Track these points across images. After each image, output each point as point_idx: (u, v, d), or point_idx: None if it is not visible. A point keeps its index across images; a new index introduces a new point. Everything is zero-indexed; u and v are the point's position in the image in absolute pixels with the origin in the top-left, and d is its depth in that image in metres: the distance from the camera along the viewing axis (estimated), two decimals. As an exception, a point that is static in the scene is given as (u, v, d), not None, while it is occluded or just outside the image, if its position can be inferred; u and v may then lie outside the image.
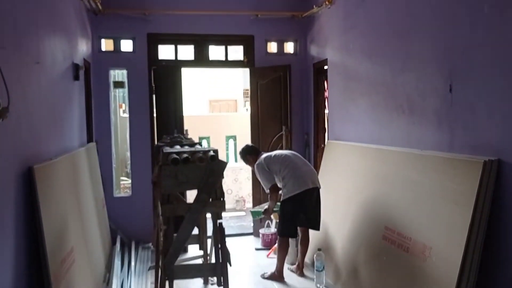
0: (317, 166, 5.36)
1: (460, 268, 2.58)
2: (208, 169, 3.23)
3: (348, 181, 4.29)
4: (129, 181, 6.52)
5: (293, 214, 4.24)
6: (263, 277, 4.39)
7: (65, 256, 2.87)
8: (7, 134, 2.20)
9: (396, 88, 3.69)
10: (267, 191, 4.41)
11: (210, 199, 3.29)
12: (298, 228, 4.41)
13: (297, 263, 4.54)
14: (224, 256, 3.36)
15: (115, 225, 5.30)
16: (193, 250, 5.01)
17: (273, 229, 5.53)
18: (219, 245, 3.37)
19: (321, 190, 4.34)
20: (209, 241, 4.36)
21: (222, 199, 3.36)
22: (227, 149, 8.36)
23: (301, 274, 4.43)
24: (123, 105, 7.94)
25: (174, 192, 3.30)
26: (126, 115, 6.87)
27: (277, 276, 4.33)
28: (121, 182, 6.96)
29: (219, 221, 3.40)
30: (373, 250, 3.58)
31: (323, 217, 4.37)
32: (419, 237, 3.03)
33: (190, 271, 3.39)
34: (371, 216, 3.73)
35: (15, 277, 2.24)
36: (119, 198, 5.60)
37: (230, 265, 3.41)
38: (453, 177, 2.83)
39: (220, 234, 3.39)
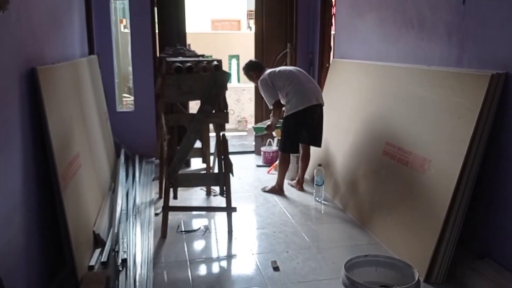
0: (321, 86, 5.31)
1: (457, 179, 2.65)
2: (212, 79, 3.21)
3: (352, 99, 4.28)
4: (132, 98, 6.52)
5: (296, 130, 4.28)
6: (263, 190, 4.53)
7: (72, 159, 2.94)
8: (8, 30, 2.15)
9: (406, 2, 3.56)
10: (270, 107, 4.41)
11: (214, 111, 3.31)
12: (300, 144, 4.47)
13: (297, 179, 4.65)
14: (226, 166, 3.44)
15: (119, 139, 5.37)
16: (196, 163, 5.14)
17: (274, 147, 5.61)
18: (222, 156, 3.44)
19: (324, 108, 4.35)
20: (212, 156, 4.44)
21: (225, 110, 3.38)
22: (229, 68, 8.24)
23: (301, 189, 4.56)
24: (124, 20, 7.72)
25: (177, 101, 3.30)
26: (127, 30, 6.70)
27: (277, 189, 4.46)
28: (124, 99, 6.95)
29: (222, 132, 3.43)
30: (373, 165, 3.66)
31: (324, 135, 4.41)
32: (420, 151, 3.08)
33: (193, 180, 3.49)
34: (372, 132, 3.77)
35: (24, 177, 2.30)
36: (122, 113, 5.62)
37: (233, 175, 3.50)
38: (459, 92, 2.81)
39: (223, 145, 3.44)
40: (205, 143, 4.23)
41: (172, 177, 3.31)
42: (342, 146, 4.26)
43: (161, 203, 4.10)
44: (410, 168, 3.15)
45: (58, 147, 2.62)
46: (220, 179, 3.42)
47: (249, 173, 5.19)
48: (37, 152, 2.55)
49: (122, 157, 5.05)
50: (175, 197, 3.39)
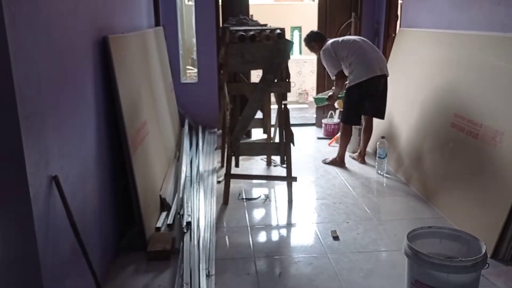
0: (386, 56, 5.13)
1: (533, 152, 2.50)
2: (275, 48, 3.21)
3: (419, 70, 4.11)
4: (195, 70, 6.65)
5: (358, 101, 4.19)
6: (324, 162, 4.51)
7: (140, 126, 3.08)
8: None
9: (484, -37, 3.32)
10: (333, 77, 4.34)
11: (276, 80, 3.31)
12: (362, 116, 4.38)
13: (358, 151, 4.58)
14: (287, 136, 3.45)
15: (183, 109, 5.54)
16: (257, 134, 5.20)
17: (335, 119, 5.54)
18: (283, 126, 3.45)
19: (389, 79, 4.21)
20: (273, 127, 4.47)
21: (287, 80, 3.37)
22: (292, 40, 8.12)
23: (362, 162, 4.49)
24: (188, -7, 7.82)
25: (240, 71, 3.33)
26: (191, 3, 6.79)
27: (338, 161, 4.42)
28: (187, 71, 7.12)
29: (283, 102, 3.44)
30: (440, 138, 3.52)
31: (388, 107, 4.29)
32: (491, 123, 2.92)
33: (255, 149, 3.54)
34: (441, 104, 3.61)
35: (97, 141, 2.45)
36: (186, 84, 5.76)
37: (293, 145, 3.51)
38: (538, 59, 2.62)
39: (284, 115, 3.45)
40: (266, 114, 4.26)
41: (234, 146, 3.38)
42: (407, 119, 4.13)
43: (223, 171, 4.22)
44: (480, 141, 3.00)
45: (127, 114, 2.75)
46: (281, 148, 3.45)
47: (309, 145, 5.18)
48: (109, 118, 2.70)
49: (186, 127, 5.22)
50: (236, 165, 3.47)
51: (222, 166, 4.40)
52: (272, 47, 3.22)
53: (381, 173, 4.16)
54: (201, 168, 4.10)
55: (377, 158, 4.21)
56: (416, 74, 4.14)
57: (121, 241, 2.84)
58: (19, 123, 1.47)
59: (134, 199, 2.81)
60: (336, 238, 2.95)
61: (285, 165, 3.52)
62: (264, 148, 3.52)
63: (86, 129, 2.29)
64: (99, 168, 2.49)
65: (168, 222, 3.11)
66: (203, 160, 4.37)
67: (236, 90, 3.35)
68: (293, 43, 3.27)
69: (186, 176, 3.84)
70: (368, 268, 2.58)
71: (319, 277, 2.50)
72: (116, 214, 2.83)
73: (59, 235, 1.79)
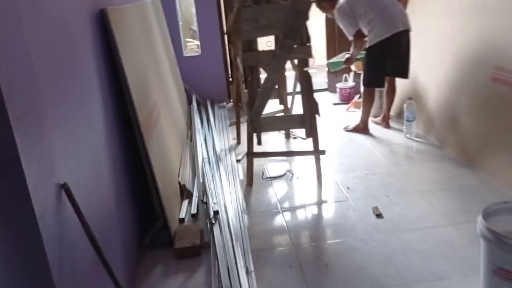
0: (404, 6, 4.75)
1: None
2: (292, 9, 2.83)
3: (445, 21, 3.73)
4: (195, 42, 6.25)
5: (382, 61, 3.83)
6: (346, 129, 4.20)
7: (151, 108, 2.76)
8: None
9: None
10: (351, 38, 3.97)
11: (296, 45, 2.95)
12: (386, 77, 4.03)
13: (382, 115, 4.26)
14: (312, 107, 3.13)
15: (188, 85, 5.19)
16: (271, 105, 4.86)
17: (350, 82, 5.19)
18: (306, 95, 3.12)
19: (411, 33, 3.84)
20: (289, 97, 4.13)
21: (308, 44, 3.02)
22: None
23: (387, 126, 4.18)
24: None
25: (255, 37, 2.98)
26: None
27: (362, 128, 4.11)
28: (187, 44, 6.71)
29: (305, 69, 3.10)
30: (479, 95, 3.19)
31: (412, 65, 3.94)
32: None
33: (277, 123, 3.22)
34: (476, 57, 3.26)
35: (106, 131, 2.13)
36: (189, 58, 5.38)
37: (319, 116, 3.19)
38: None
39: (307, 83, 3.11)
40: (282, 83, 3.91)
41: (255, 121, 3.06)
42: (436, 76, 3.78)
43: (240, 148, 3.94)
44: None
45: (137, 96, 2.43)
46: (305, 120, 3.13)
47: (326, 112, 4.84)
48: (117, 102, 2.37)
49: (194, 104, 4.89)
50: (259, 143, 3.16)
51: (238, 142, 4.10)
52: (289, 7, 2.84)
53: (411, 137, 3.86)
54: (217, 147, 3.80)
55: (405, 121, 3.89)
56: (442, 25, 3.77)
57: (144, 239, 2.57)
58: (10, 127, 1.14)
59: (153, 191, 2.52)
60: (379, 215, 2.67)
61: (305, 138, 3.20)
62: (287, 122, 3.20)
63: (93, 120, 1.97)
64: (112, 162, 2.19)
65: (192, 212, 2.83)
66: (217, 138, 4.06)
67: (253, 60, 3.00)
68: (311, 1, 2.89)
69: (203, 158, 3.55)
70: (424, 249, 2.31)
71: (370, 264, 2.23)
72: (135, 210, 2.55)
73: (75, 253, 1.49)
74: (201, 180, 3.17)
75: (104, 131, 2.10)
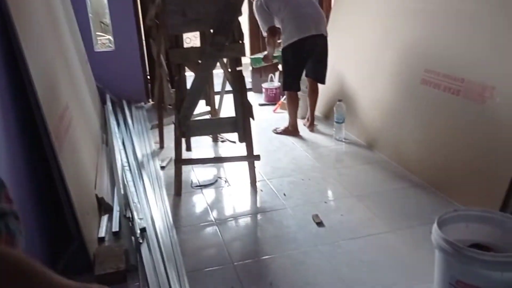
0: (329, 8, 4.73)
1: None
2: (223, 2, 2.60)
3: (374, 22, 3.72)
4: (107, 36, 5.75)
5: (295, 64, 3.72)
6: (275, 132, 4.05)
7: (61, 112, 2.36)
8: None
9: None
10: (264, 34, 3.82)
11: (227, 43, 2.72)
12: (306, 78, 3.93)
13: (307, 118, 4.16)
14: (246, 109, 2.92)
15: (101, 83, 4.72)
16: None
17: (276, 82, 5.07)
18: (240, 97, 2.90)
19: (336, 35, 3.78)
20: (216, 97, 3.88)
21: (241, 41, 2.80)
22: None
23: (311, 129, 4.07)
24: None
25: (182, 32, 2.69)
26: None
27: (292, 130, 3.98)
28: (98, 38, 6.17)
29: (238, 68, 2.87)
30: (409, 97, 3.19)
31: (339, 67, 3.91)
32: (475, 77, 2.62)
33: (208, 127, 2.97)
34: (405, 59, 3.26)
35: (6, 140, 1.74)
36: (101, 53, 4.91)
37: (253, 119, 2.99)
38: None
39: (240, 84, 2.89)
40: (209, 82, 3.65)
41: (184, 125, 2.78)
42: (364, 78, 3.77)
43: (164, 153, 3.62)
44: (463, 97, 2.70)
45: (45, 98, 2.03)
46: (239, 124, 2.90)
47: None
48: (18, 106, 1.97)
49: (109, 104, 4.45)
50: (188, 149, 2.88)
51: (161, 147, 3.77)
52: (220, 0, 2.61)
53: (340, 139, 3.80)
54: (138, 153, 3.44)
55: (334, 123, 3.83)
56: (371, 27, 3.76)
57: (57, 264, 2.17)
58: None
59: (67, 208, 2.14)
60: (320, 224, 2.53)
61: (235, 141, 2.98)
62: (219, 126, 2.95)
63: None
64: (14, 176, 1.79)
65: (113, 229, 2.48)
66: (137, 142, 3.69)
67: (180, 57, 2.71)
68: (244, -5, 2.69)
69: (123, 165, 3.18)
70: (369, 260, 2.19)
71: (317, 279, 2.07)
72: (45, 230, 2.15)
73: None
74: (122, 192, 2.82)
75: (3, 144, 1.71)
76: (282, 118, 4.27)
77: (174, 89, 2.87)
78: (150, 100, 5.15)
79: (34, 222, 1.99)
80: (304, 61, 3.73)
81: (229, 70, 2.88)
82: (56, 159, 2.04)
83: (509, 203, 2.34)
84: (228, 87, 3.26)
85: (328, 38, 3.73)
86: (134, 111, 4.58)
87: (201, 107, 3.91)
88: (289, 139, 3.88)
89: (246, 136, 2.93)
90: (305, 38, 3.58)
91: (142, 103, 4.93)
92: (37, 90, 1.94)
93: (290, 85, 3.85)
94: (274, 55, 4.07)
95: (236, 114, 2.91)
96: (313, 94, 3.99)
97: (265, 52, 4.19)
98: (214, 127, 2.95)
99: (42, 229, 2.11)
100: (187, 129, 2.80)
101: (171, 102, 4.22)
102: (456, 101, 2.75)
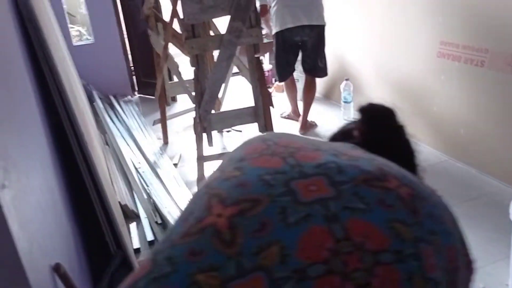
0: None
1: None
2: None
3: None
4: (76, 27, 5.40)
5: (282, 54, 3.47)
6: (282, 116, 3.93)
7: (81, 110, 2.15)
8: None
9: None
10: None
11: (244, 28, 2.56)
12: (304, 73, 3.66)
13: (301, 115, 3.69)
14: (265, 98, 2.78)
15: (84, 79, 4.42)
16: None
17: (267, 64, 4.92)
18: (258, 85, 2.75)
19: (334, 11, 3.57)
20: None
21: (258, 26, 2.64)
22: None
23: (303, 130, 3.59)
24: None
25: (200, 20, 2.50)
26: None
27: (294, 116, 3.86)
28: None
29: (256, 55, 2.72)
30: (424, 72, 3.14)
31: (344, 45, 3.77)
32: (502, 47, 2.58)
33: (228, 119, 2.80)
34: (417, 33, 3.18)
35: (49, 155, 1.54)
36: (80, 47, 4.60)
37: (273, 107, 2.86)
38: None
39: (258, 72, 2.74)
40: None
41: (206, 120, 2.61)
42: (371, 56, 3.67)
43: (170, 150, 3.44)
44: (489, 69, 2.66)
45: (71, 97, 1.83)
46: (259, 113, 2.77)
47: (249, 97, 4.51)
48: (46, 113, 1.76)
49: (98, 102, 4.18)
50: (210, 143, 2.72)
51: (165, 143, 3.57)
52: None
53: (349, 120, 3.72)
54: (146, 152, 3.24)
55: (342, 102, 3.75)
56: (372, 4, 3.66)
57: (101, 282, 2.00)
58: None
59: (103, 219, 1.96)
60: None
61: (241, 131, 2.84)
62: (239, 116, 2.79)
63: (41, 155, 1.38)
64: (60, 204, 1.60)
65: (148, 239, 2.31)
66: (140, 139, 3.49)
67: (199, 47, 2.52)
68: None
69: (136, 167, 2.99)
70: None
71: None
72: (84, 250, 1.97)
73: None
74: (144, 196, 2.64)
75: (48, 164, 1.51)
76: (283, 100, 4.13)
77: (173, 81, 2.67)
78: (135, 92, 4.90)
79: (75, 241, 1.81)
80: (292, 53, 3.47)
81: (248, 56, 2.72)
82: (92, 162, 1.85)
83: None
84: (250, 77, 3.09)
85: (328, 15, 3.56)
86: (123, 106, 4.34)
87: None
88: (296, 124, 3.76)
89: (267, 126, 2.80)
90: (291, 29, 3.30)
91: (129, 97, 4.68)
92: (66, 89, 1.74)
93: (279, 75, 3.61)
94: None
95: (255, 103, 2.76)
96: (308, 91, 3.59)
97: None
98: (234, 118, 2.79)
99: (82, 246, 1.93)
100: (209, 123, 2.64)
101: (173, 95, 4.04)
102: (480, 73, 2.71)
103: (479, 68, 2.72)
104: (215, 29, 3.16)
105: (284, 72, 3.58)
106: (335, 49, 3.93)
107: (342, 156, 0.70)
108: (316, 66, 3.51)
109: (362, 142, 0.85)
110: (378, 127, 0.88)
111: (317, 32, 3.40)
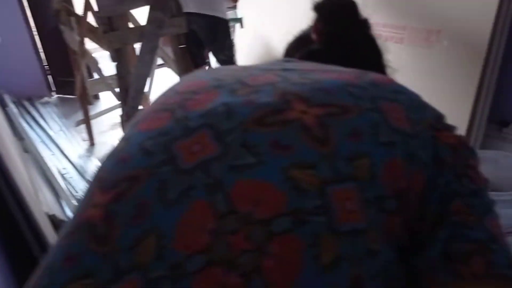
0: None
1: (489, 39, 2.30)
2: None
3: None
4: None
5: (188, 47, 2.90)
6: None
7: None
8: None
9: None
10: None
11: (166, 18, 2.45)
12: None
13: None
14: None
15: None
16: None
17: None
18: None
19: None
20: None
21: (180, 15, 2.54)
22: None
23: None
24: None
25: (116, 13, 2.35)
26: None
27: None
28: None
29: (181, 46, 2.62)
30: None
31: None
32: (419, 23, 2.69)
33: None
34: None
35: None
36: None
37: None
38: None
39: (184, 62, 2.65)
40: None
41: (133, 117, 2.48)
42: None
43: (98, 151, 3.26)
44: (408, 45, 2.78)
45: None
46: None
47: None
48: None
49: (11, 106, 3.84)
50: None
51: (92, 144, 3.38)
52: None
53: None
54: (71, 156, 3.04)
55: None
56: None
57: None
58: None
59: (26, 229, 1.81)
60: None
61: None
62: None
63: None
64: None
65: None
66: (63, 143, 3.26)
67: (118, 40, 2.37)
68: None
69: (61, 173, 2.79)
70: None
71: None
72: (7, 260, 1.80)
73: None
74: (75, 203, 2.47)
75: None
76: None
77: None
78: (52, 93, 4.58)
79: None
80: (194, 45, 3.09)
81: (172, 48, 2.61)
82: (9, 174, 1.69)
83: (471, 132, 2.49)
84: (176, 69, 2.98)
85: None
86: (41, 108, 4.04)
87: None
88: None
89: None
90: (187, 15, 2.76)
91: (46, 98, 4.37)
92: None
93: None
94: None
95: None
96: None
97: None
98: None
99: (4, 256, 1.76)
100: (137, 120, 2.51)
101: (95, 93, 3.82)
102: (400, 49, 2.82)
103: (399, 44, 2.83)
104: (135, 20, 3.00)
105: (195, 66, 3.12)
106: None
107: (241, 89, 0.55)
108: (219, 60, 3.25)
109: (321, 45, 0.75)
110: (339, 23, 0.76)
111: (209, 23, 3.01)
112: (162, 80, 4.19)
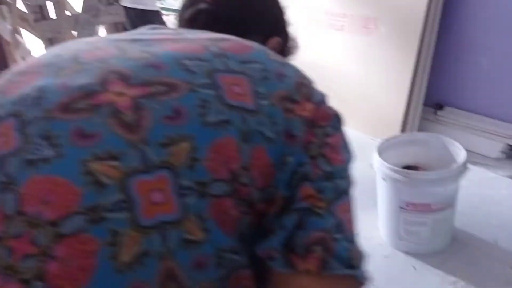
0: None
1: (423, 22, 2.38)
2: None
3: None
4: None
5: None
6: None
7: None
8: None
9: None
10: None
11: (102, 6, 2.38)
12: None
13: None
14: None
15: None
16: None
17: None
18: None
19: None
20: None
21: (117, 3, 2.48)
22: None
23: None
24: None
25: (45, 0, 2.26)
26: None
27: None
28: None
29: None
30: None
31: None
32: (358, 10, 2.75)
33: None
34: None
35: None
36: None
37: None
38: None
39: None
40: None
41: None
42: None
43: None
44: (348, 32, 2.82)
45: None
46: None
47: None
48: None
49: None
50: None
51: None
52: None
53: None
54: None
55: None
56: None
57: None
58: None
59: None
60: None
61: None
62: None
63: None
64: None
65: None
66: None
67: (51, 29, 2.28)
68: None
69: None
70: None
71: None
72: None
73: None
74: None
75: None
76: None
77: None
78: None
79: None
80: None
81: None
82: None
83: (406, 128, 2.57)
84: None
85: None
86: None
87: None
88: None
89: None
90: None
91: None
92: None
93: None
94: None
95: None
96: None
97: None
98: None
99: None
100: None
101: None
102: (341, 36, 2.86)
103: (340, 32, 2.87)
104: (71, 8, 2.90)
105: None
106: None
107: (68, 68, 0.51)
108: None
109: (211, 5, 0.71)
110: None
111: (137, 15, 2.74)
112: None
